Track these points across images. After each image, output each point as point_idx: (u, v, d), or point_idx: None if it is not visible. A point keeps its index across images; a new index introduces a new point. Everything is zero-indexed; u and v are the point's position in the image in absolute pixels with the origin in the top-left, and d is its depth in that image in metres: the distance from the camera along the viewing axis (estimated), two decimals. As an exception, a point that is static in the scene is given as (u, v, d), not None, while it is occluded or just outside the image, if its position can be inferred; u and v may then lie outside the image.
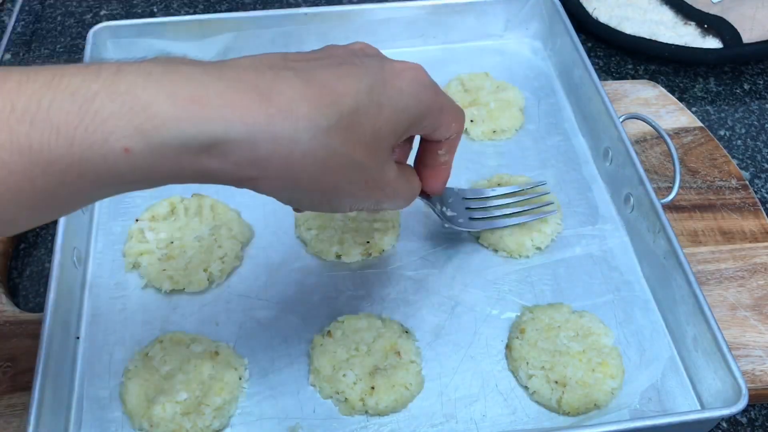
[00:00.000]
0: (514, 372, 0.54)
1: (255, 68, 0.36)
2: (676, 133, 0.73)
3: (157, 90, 0.32)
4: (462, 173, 0.67)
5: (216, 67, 0.35)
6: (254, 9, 0.91)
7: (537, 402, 0.53)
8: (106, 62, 0.33)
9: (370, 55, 0.42)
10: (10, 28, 0.82)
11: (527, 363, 0.53)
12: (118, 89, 0.32)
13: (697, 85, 0.82)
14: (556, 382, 0.52)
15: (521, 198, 0.63)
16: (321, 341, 0.54)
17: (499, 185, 0.64)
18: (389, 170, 0.42)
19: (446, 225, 0.59)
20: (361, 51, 0.42)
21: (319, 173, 0.37)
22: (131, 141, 0.32)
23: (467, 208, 0.60)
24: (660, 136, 0.66)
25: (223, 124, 0.33)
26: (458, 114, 0.46)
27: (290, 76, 0.36)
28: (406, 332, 0.56)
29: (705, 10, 0.83)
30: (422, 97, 0.41)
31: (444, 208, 0.59)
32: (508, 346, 0.56)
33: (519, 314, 0.57)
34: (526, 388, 0.53)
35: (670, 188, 0.63)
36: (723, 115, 0.79)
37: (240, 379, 0.53)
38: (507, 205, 0.62)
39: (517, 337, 0.55)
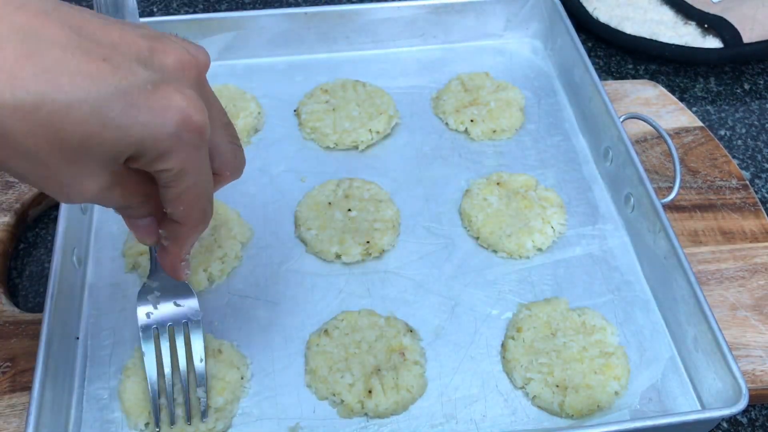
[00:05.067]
0: (509, 374, 0.54)
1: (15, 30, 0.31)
2: (677, 133, 0.73)
3: None
4: (462, 173, 0.67)
5: None
6: (254, 9, 0.91)
7: (539, 407, 0.53)
8: None
9: (161, 65, 0.35)
10: (9, 28, 0.82)
11: (521, 365, 0.53)
12: None
13: (697, 85, 0.82)
14: (557, 386, 0.52)
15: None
16: (317, 341, 0.54)
17: (498, 185, 0.64)
18: (90, 183, 0.35)
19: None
20: (159, 55, 0.35)
21: None
22: None
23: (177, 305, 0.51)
24: (660, 136, 0.66)
25: None
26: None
27: (14, 40, 0.31)
28: (411, 331, 0.55)
29: (705, 9, 0.83)
30: (168, 143, 0.34)
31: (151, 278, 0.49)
32: (503, 345, 0.55)
33: (516, 312, 0.57)
34: (523, 389, 0.53)
35: (671, 188, 0.63)
36: (723, 114, 0.79)
37: (242, 378, 0.52)
38: None
39: (513, 337, 0.55)
